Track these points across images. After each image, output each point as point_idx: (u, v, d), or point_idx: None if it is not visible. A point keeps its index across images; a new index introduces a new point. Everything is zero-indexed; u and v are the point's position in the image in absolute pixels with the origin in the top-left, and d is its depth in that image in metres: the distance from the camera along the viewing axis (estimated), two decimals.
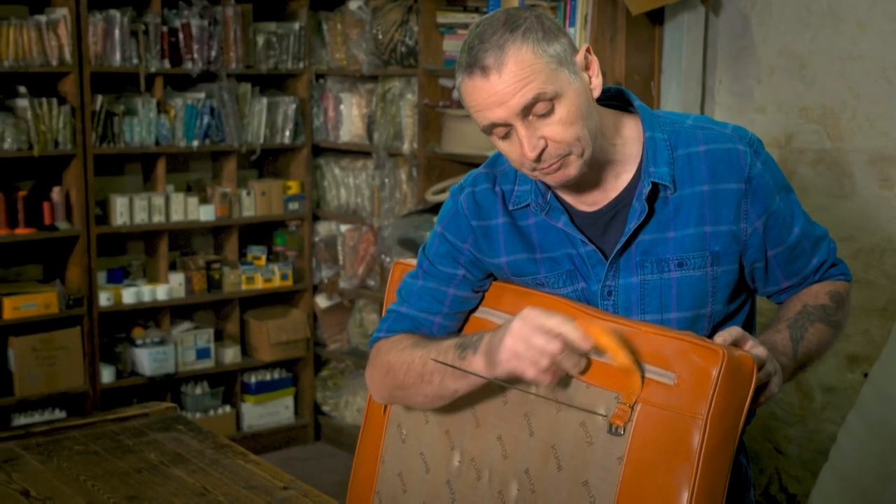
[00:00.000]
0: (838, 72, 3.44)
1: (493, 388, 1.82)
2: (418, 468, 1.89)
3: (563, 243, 1.78)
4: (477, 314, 1.91)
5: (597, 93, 1.69)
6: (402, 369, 1.83)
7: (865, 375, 3.40)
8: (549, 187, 1.77)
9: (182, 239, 5.01)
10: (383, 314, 2.02)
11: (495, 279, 1.90)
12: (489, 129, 1.66)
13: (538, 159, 1.64)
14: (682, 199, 1.72)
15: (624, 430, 1.60)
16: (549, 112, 1.62)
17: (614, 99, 1.82)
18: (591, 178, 1.74)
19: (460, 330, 1.92)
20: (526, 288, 1.84)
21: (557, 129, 1.62)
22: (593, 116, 1.67)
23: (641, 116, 1.76)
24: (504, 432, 1.78)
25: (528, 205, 1.79)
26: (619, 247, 1.73)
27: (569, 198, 1.78)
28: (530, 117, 1.62)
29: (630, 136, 1.75)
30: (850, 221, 3.45)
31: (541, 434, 1.72)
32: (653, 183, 1.71)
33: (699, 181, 1.71)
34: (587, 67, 1.69)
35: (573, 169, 1.66)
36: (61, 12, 4.33)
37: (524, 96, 1.60)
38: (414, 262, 1.97)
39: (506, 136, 1.66)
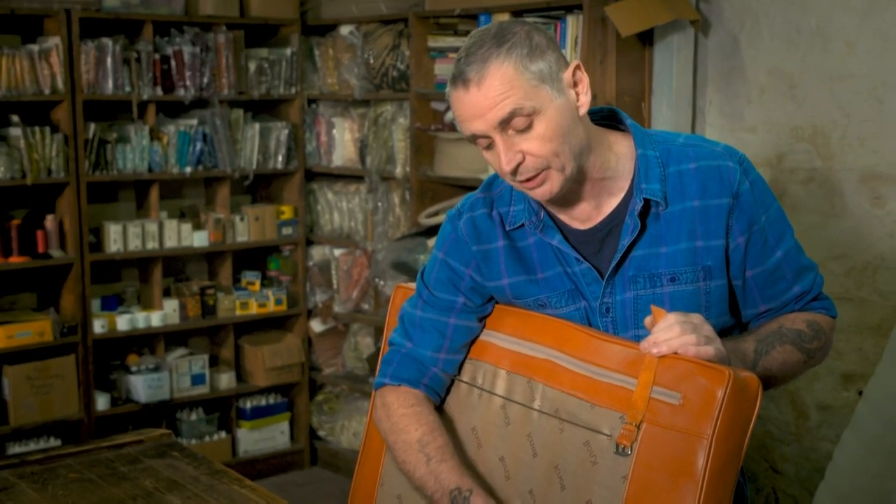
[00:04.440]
0: (828, 91, 3.46)
1: (494, 409, 1.82)
2: (416, 494, 1.89)
3: (560, 262, 1.79)
4: (481, 337, 1.92)
5: (583, 110, 1.72)
6: (403, 466, 1.84)
7: (860, 393, 3.40)
8: (542, 206, 1.79)
9: (176, 265, 5.00)
10: (383, 340, 2.02)
11: (497, 303, 1.90)
12: (472, 140, 1.70)
13: (515, 172, 1.67)
14: (673, 214, 1.73)
15: (630, 450, 1.60)
16: (528, 127, 1.66)
17: (607, 118, 1.83)
18: (583, 195, 1.76)
19: (465, 358, 1.92)
20: (528, 310, 1.85)
21: (535, 144, 1.66)
22: (577, 134, 1.70)
23: (633, 134, 1.78)
24: (507, 453, 1.78)
25: (523, 224, 1.80)
26: (613, 264, 1.74)
27: (563, 216, 1.80)
28: (509, 131, 1.66)
29: (622, 153, 1.77)
30: (843, 240, 3.46)
31: (544, 454, 1.72)
32: (645, 199, 1.72)
33: (690, 197, 1.73)
34: (576, 84, 1.70)
35: (555, 185, 1.69)
36: (53, 41, 4.34)
37: (501, 110, 1.64)
38: (413, 285, 1.98)
39: (488, 147, 1.70)
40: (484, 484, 1.79)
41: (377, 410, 1.93)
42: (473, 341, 1.91)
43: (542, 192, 1.70)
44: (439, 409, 1.93)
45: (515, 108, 1.63)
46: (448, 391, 1.94)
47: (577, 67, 1.71)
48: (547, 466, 1.71)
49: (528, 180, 1.69)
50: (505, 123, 1.65)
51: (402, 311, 1.95)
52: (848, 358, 3.47)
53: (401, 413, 1.87)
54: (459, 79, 1.67)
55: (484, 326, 1.91)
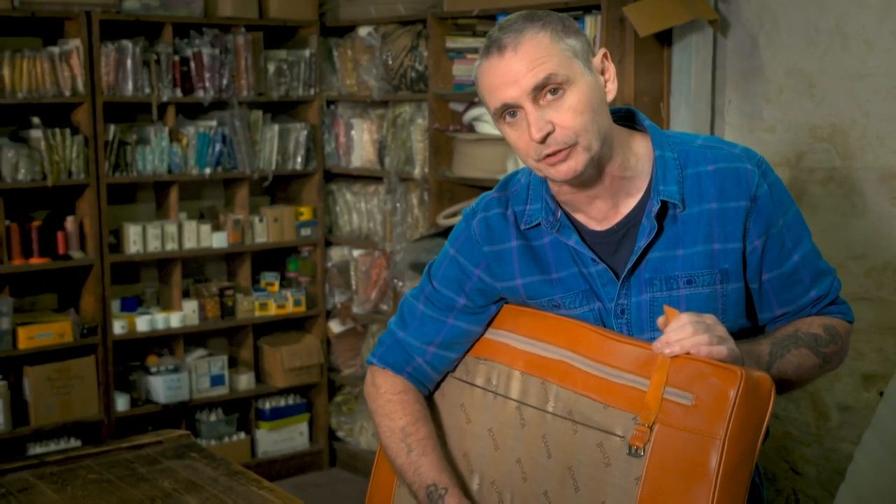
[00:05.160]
0: (847, 90, 3.44)
1: (509, 410, 1.83)
2: None
3: (576, 262, 1.78)
4: (494, 337, 1.92)
5: (611, 96, 1.73)
6: (385, 450, 1.92)
7: (881, 394, 3.38)
8: (559, 205, 1.78)
9: (195, 266, 5.02)
10: None
11: (505, 302, 1.91)
12: (500, 113, 1.70)
13: (543, 142, 1.66)
14: (690, 217, 1.73)
15: (643, 451, 1.60)
16: (559, 97, 1.65)
17: (625, 119, 1.83)
18: (601, 192, 1.75)
19: (463, 356, 1.94)
20: (542, 311, 1.85)
21: (566, 115, 1.65)
22: (604, 116, 1.70)
23: (651, 136, 1.77)
24: (523, 455, 1.78)
25: (539, 224, 1.80)
26: (629, 265, 1.74)
27: (580, 216, 1.79)
28: (541, 101, 1.66)
29: (641, 154, 1.77)
30: (862, 239, 3.44)
31: (558, 456, 1.72)
32: (662, 201, 1.71)
33: (708, 199, 1.72)
34: (603, 72, 1.72)
35: (579, 162, 1.67)
36: (74, 43, 4.36)
37: (536, 76, 1.64)
38: None
39: (515, 123, 1.69)
40: (503, 484, 1.80)
41: (368, 387, 1.99)
42: (471, 341, 1.93)
43: (565, 169, 1.68)
44: (429, 398, 1.98)
45: (551, 73, 1.64)
46: (439, 385, 1.98)
47: (605, 56, 1.73)
48: (561, 468, 1.71)
49: (552, 155, 1.67)
50: (538, 90, 1.65)
51: (403, 299, 1.98)
52: (868, 358, 3.45)
53: (387, 398, 1.93)
54: (494, 46, 1.67)
55: (487, 327, 1.93)
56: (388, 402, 1.92)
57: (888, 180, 3.37)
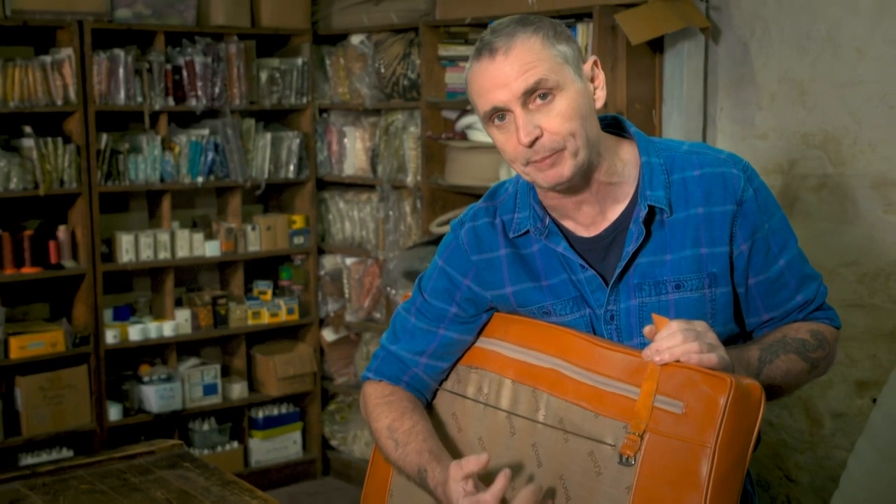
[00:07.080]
0: (839, 97, 3.45)
1: (499, 419, 1.82)
2: (427, 500, 1.89)
3: (565, 269, 1.79)
4: (485, 346, 1.92)
5: (599, 104, 1.74)
6: (381, 451, 1.92)
7: (874, 401, 3.38)
8: (547, 212, 1.79)
9: (188, 275, 5.01)
10: None
11: (496, 311, 1.91)
12: (489, 116, 1.70)
13: (531, 147, 1.67)
14: (678, 221, 1.74)
15: (634, 460, 1.60)
16: (549, 102, 1.66)
17: (612, 126, 1.84)
18: (588, 198, 1.76)
19: (454, 365, 1.94)
20: (532, 318, 1.85)
21: (555, 120, 1.66)
22: (592, 123, 1.71)
23: (637, 142, 1.79)
24: (512, 463, 1.78)
25: (528, 231, 1.80)
26: (618, 271, 1.74)
27: (568, 223, 1.80)
28: (530, 105, 1.66)
29: (627, 160, 1.78)
30: (855, 246, 3.44)
31: (549, 464, 1.72)
32: (649, 206, 1.72)
33: (694, 204, 1.73)
34: (593, 79, 1.73)
35: (566, 168, 1.68)
36: (66, 52, 4.36)
37: (526, 80, 1.65)
38: None
39: (503, 127, 1.70)
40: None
41: (361, 401, 2.00)
42: (461, 350, 1.94)
43: (553, 174, 1.69)
44: (429, 409, 1.97)
45: (541, 78, 1.65)
46: (435, 394, 1.97)
47: (595, 63, 1.74)
48: (552, 476, 1.71)
49: (540, 160, 1.68)
50: (528, 94, 1.65)
51: (395, 314, 1.99)
52: (861, 365, 3.45)
53: (375, 403, 1.94)
54: (486, 49, 1.68)
55: (478, 336, 1.93)
56: (375, 406, 1.93)
57: (880, 187, 3.37)
